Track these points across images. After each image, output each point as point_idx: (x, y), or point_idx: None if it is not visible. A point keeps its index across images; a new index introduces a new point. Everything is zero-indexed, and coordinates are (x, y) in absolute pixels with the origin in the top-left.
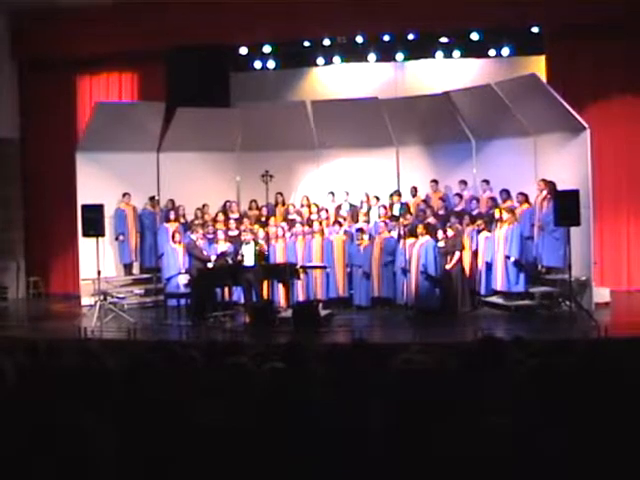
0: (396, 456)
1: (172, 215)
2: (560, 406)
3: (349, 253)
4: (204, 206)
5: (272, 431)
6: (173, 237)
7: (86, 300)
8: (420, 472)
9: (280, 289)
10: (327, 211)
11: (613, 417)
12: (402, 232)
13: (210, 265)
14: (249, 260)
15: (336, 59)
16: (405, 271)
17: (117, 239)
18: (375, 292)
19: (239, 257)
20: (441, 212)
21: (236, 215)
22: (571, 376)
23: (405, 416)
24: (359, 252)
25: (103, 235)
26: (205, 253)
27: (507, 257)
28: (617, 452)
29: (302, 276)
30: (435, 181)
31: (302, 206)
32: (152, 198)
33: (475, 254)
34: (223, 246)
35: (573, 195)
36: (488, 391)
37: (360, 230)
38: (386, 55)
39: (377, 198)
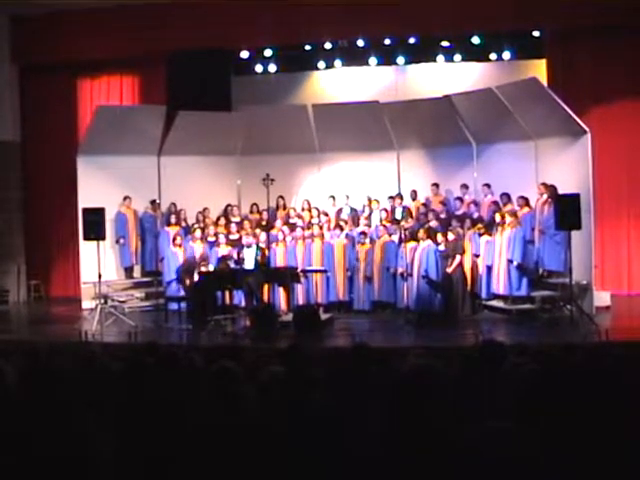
0: (395, 459)
1: (173, 219)
2: (561, 409)
3: (348, 256)
4: (205, 210)
5: (272, 433)
6: (174, 241)
7: (87, 303)
8: (419, 475)
9: (281, 293)
10: (327, 215)
11: (614, 420)
12: (403, 235)
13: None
14: (250, 264)
15: (337, 63)
16: (404, 275)
17: (118, 242)
18: (375, 296)
19: (239, 260)
20: (442, 216)
21: (237, 219)
22: (572, 379)
23: (405, 420)
24: (357, 254)
25: (104, 238)
26: (192, 274)
27: (510, 261)
28: (618, 455)
29: (302, 280)
30: (436, 185)
31: (303, 210)
32: (153, 202)
33: (476, 258)
34: (224, 250)
35: (574, 199)
36: (489, 394)
37: (362, 234)
38: (387, 59)
39: (377, 201)
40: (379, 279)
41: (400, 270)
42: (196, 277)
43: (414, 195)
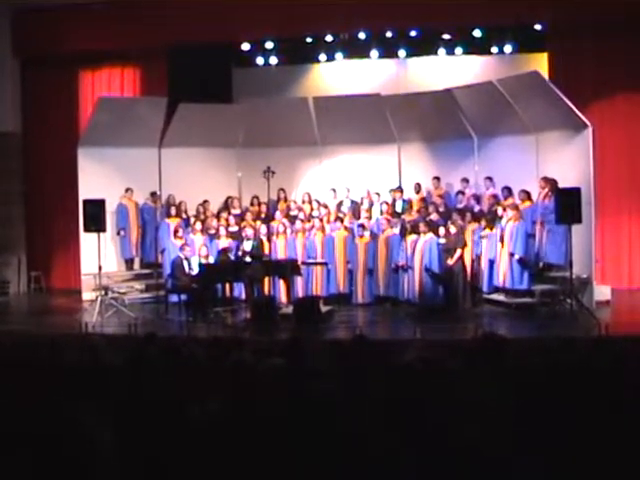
0: (395, 451)
1: (173, 211)
2: (561, 403)
3: (349, 248)
4: (205, 202)
5: (272, 428)
6: (175, 233)
7: (87, 295)
8: (420, 469)
9: (281, 285)
10: (328, 207)
11: (614, 415)
12: (405, 227)
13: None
14: (250, 256)
15: (338, 55)
16: (404, 268)
17: (119, 234)
18: (380, 290)
19: (239, 253)
20: (441, 209)
21: (237, 211)
22: (572, 374)
23: (406, 412)
24: (356, 248)
25: (104, 230)
26: (187, 271)
27: (511, 254)
28: (618, 449)
29: (302, 272)
30: (437, 178)
31: (303, 202)
32: (153, 194)
33: (478, 252)
34: (224, 242)
35: (574, 193)
36: (488, 388)
37: (361, 226)
38: (388, 52)
39: (378, 194)
40: (384, 274)
41: (400, 263)
42: (194, 269)
43: (418, 188)
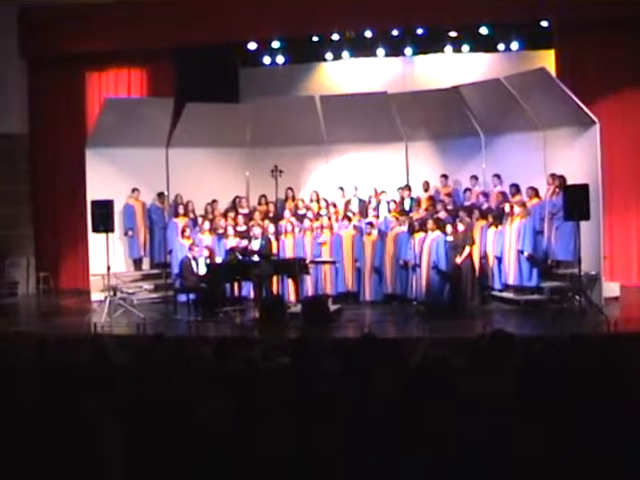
0: (399, 450)
1: (181, 210)
2: (569, 399)
3: (357, 247)
4: (214, 202)
5: (277, 426)
6: (183, 232)
7: (96, 295)
8: (423, 469)
9: (289, 284)
10: (336, 206)
11: (621, 411)
12: (413, 225)
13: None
14: (258, 255)
15: (345, 54)
16: (414, 266)
17: (126, 234)
18: (389, 289)
19: (247, 252)
20: (449, 207)
21: (245, 210)
22: (580, 370)
23: (413, 410)
24: (363, 246)
25: (112, 231)
26: (195, 271)
27: (520, 252)
28: (624, 445)
29: (311, 271)
30: (445, 176)
31: (311, 201)
32: (160, 194)
33: (485, 249)
34: (232, 241)
35: (582, 189)
36: (495, 386)
37: (370, 224)
38: (395, 50)
39: (384, 192)
40: (392, 272)
41: (409, 260)
42: (201, 270)
43: (426, 186)
